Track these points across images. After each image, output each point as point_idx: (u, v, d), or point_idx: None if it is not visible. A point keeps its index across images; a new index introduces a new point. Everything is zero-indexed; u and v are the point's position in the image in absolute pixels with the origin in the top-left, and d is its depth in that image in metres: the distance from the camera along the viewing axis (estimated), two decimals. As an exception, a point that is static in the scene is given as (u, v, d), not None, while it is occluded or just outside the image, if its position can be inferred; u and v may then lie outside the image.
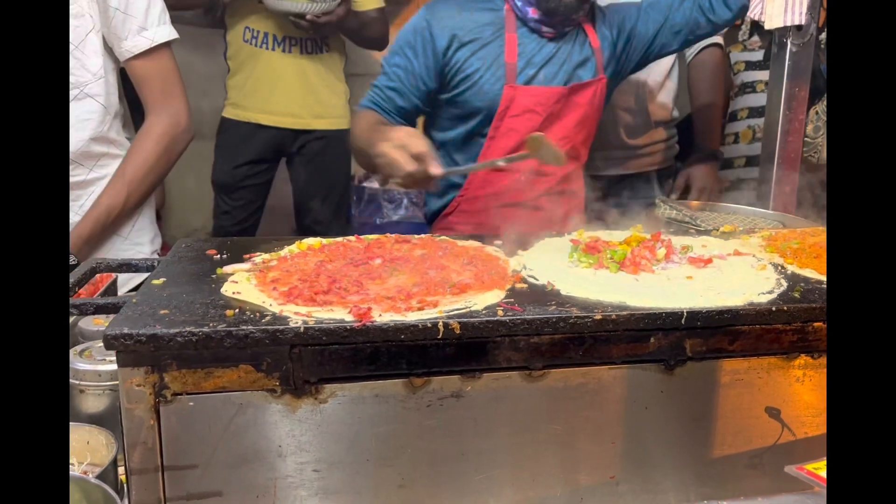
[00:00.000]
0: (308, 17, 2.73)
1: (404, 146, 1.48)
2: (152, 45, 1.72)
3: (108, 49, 1.71)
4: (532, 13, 1.81)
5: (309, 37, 2.91)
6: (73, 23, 1.59)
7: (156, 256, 1.50)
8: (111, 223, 1.74)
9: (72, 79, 1.62)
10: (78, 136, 1.69)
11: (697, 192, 2.64)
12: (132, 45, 1.70)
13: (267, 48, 2.93)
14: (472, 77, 1.81)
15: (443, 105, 1.88)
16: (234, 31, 2.98)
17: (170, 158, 1.83)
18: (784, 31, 1.92)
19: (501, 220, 1.74)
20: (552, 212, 1.82)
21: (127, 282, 1.76)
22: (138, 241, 1.86)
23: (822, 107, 3.03)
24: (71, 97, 1.62)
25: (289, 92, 2.95)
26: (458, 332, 0.99)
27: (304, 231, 3.19)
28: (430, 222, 2.01)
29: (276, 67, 2.94)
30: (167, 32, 1.75)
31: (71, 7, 1.58)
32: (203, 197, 3.55)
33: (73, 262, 1.57)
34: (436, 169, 1.47)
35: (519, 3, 1.82)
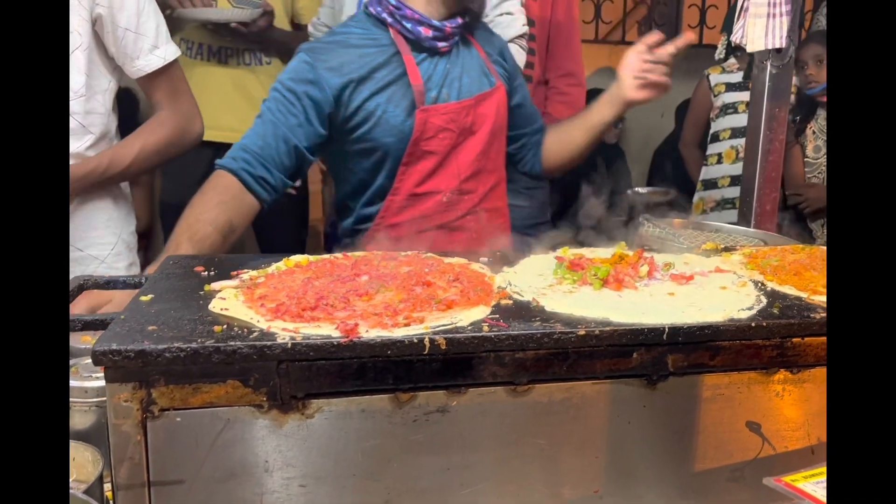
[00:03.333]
0: (232, 25, 2.69)
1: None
2: (165, 63, 1.74)
3: (107, 69, 1.72)
4: (425, 32, 1.76)
5: (246, 47, 2.85)
6: None
7: (104, 268, 1.51)
8: (106, 176, 1.70)
9: None
10: None
11: None
12: (145, 63, 1.73)
13: (202, 59, 2.86)
14: (375, 113, 1.73)
15: (343, 145, 1.79)
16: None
17: (177, 151, 1.84)
18: (764, 53, 1.97)
19: (427, 244, 1.66)
20: (477, 231, 1.82)
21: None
22: (115, 265, 1.85)
23: (818, 125, 3.10)
24: None
25: (226, 104, 2.87)
26: (443, 347, 1.01)
27: (266, 248, 3.14)
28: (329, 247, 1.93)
29: (211, 79, 2.86)
30: (175, 49, 1.79)
31: None
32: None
33: None
34: None
35: (409, 26, 1.75)
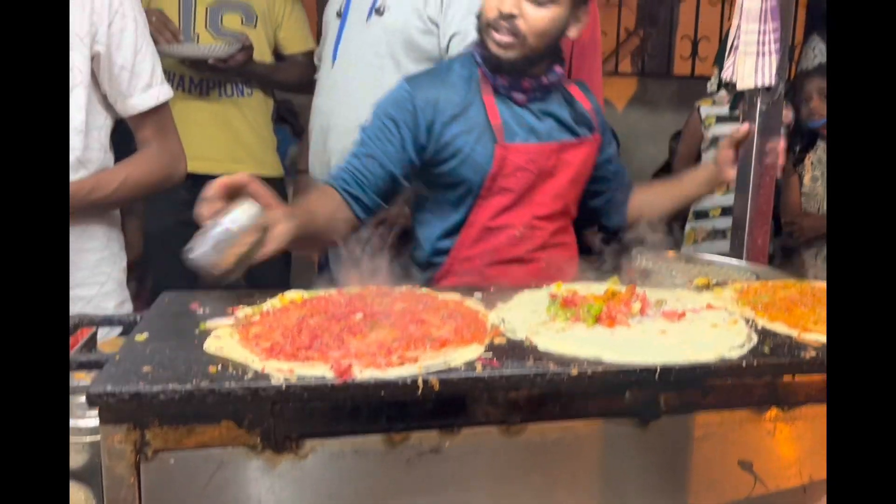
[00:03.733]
0: (210, 61, 2.70)
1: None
2: (157, 103, 1.77)
3: (102, 105, 1.74)
4: (502, 80, 1.81)
5: (227, 80, 2.85)
6: None
7: (91, 308, 1.49)
8: (88, 201, 1.70)
9: None
10: None
11: None
12: (138, 102, 1.74)
13: (183, 91, 2.85)
14: (462, 150, 1.78)
15: (426, 177, 1.85)
16: None
17: (160, 188, 1.85)
18: (754, 91, 2.00)
19: (498, 277, 1.77)
20: (548, 264, 1.83)
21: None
22: (103, 304, 1.83)
23: (816, 156, 3.14)
24: None
25: (207, 136, 2.85)
26: (437, 388, 1.01)
27: (248, 281, 3.12)
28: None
29: (192, 111, 2.84)
30: (168, 90, 1.81)
31: None
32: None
33: None
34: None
35: (489, 71, 1.81)
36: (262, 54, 2.90)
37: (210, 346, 1.12)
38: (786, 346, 1.20)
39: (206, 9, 2.82)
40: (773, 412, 1.16)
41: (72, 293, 1.74)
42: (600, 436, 1.11)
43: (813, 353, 1.17)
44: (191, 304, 1.35)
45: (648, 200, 2.03)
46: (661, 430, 1.12)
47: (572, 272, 1.82)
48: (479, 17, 1.77)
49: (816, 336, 1.24)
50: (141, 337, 1.15)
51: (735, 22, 2.02)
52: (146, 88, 1.74)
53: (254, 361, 1.05)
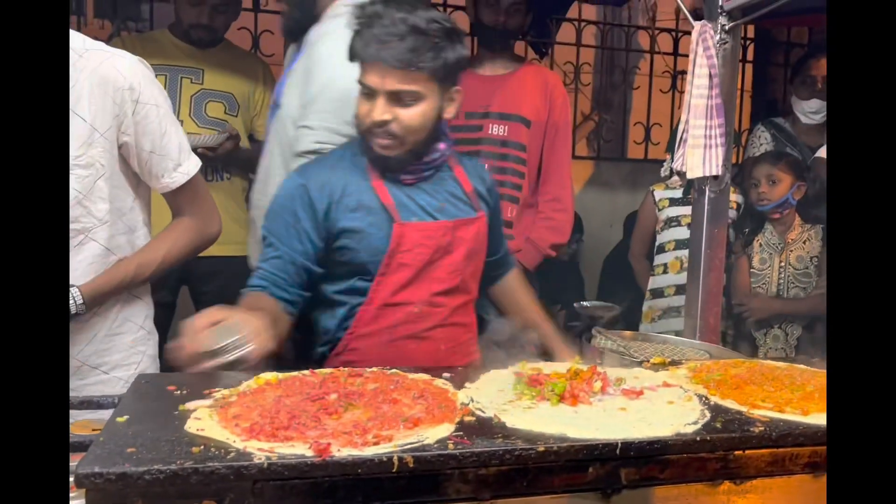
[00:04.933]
0: (199, 151, 2.74)
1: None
2: (188, 179, 1.81)
3: (131, 186, 1.77)
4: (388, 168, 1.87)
5: (210, 165, 2.92)
6: (83, 173, 1.64)
7: (117, 393, 1.50)
8: (132, 285, 1.73)
9: (77, 226, 1.65)
10: (78, 279, 1.70)
11: None
12: (170, 181, 1.78)
13: None
14: (359, 232, 1.83)
15: (325, 261, 1.88)
16: None
17: (197, 250, 1.89)
18: (703, 179, 2.14)
19: (396, 355, 1.81)
20: (446, 343, 1.89)
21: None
22: (118, 374, 1.83)
23: (765, 239, 3.30)
24: (75, 243, 1.66)
25: None
26: (411, 465, 1.07)
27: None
28: (319, 362, 1.92)
29: None
30: (197, 162, 1.84)
31: (81, 159, 1.63)
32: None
33: (80, 303, 1.57)
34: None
35: (378, 167, 1.87)
36: (242, 141, 3.00)
37: (191, 426, 1.16)
38: (736, 422, 1.28)
39: (191, 97, 2.94)
40: (727, 485, 1.23)
41: (109, 374, 1.76)
42: (566, 510, 1.16)
43: (761, 428, 1.25)
44: (167, 385, 1.38)
45: (506, 302, 2.16)
46: (622, 503, 1.18)
47: (470, 352, 1.89)
48: (356, 120, 1.83)
49: (765, 412, 1.33)
50: (122, 419, 1.19)
51: (684, 117, 2.17)
52: (176, 168, 1.79)
53: (235, 441, 1.10)
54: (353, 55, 1.78)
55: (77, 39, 1.65)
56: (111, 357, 1.77)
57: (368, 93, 1.76)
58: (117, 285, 1.71)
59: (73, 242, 1.65)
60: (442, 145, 1.89)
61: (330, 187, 1.83)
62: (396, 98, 1.74)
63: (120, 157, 1.73)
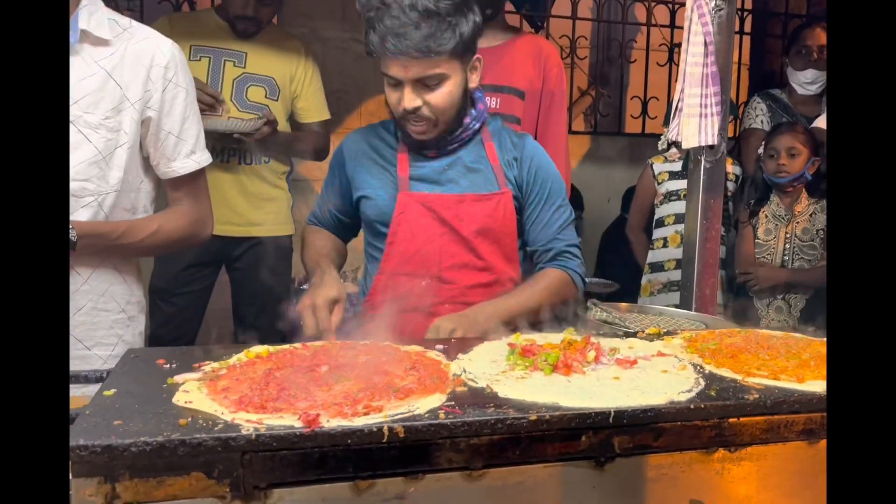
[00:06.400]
0: (235, 135, 2.83)
1: (315, 306, 1.70)
2: (199, 168, 1.84)
3: (142, 169, 1.79)
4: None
5: (248, 149, 2.99)
6: (107, 135, 1.68)
7: (106, 367, 1.50)
8: (117, 244, 1.73)
9: (91, 187, 1.68)
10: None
11: None
12: (181, 166, 1.81)
13: None
14: (372, 199, 1.94)
15: (356, 223, 2.09)
16: None
17: (184, 246, 1.93)
18: (699, 149, 2.12)
19: (403, 327, 1.78)
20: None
21: None
22: (98, 353, 1.83)
23: (770, 210, 3.27)
24: (82, 204, 1.68)
25: (225, 201, 3.00)
26: (402, 435, 1.06)
27: (244, 335, 3.19)
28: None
29: (213, 177, 2.91)
30: (208, 156, 1.89)
31: (109, 121, 1.68)
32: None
33: (73, 238, 1.59)
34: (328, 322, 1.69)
35: (414, 146, 1.93)
36: (280, 125, 3.02)
37: (179, 399, 1.15)
38: (731, 390, 1.27)
39: (233, 81, 2.95)
40: (721, 453, 1.22)
41: (91, 351, 1.77)
42: (558, 479, 1.15)
43: (756, 396, 1.24)
44: (157, 359, 1.37)
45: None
46: (615, 471, 1.17)
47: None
48: (389, 108, 1.89)
49: (760, 380, 1.32)
50: (109, 392, 1.17)
51: (679, 86, 2.14)
52: (189, 154, 1.81)
53: (223, 413, 1.09)
54: (370, 50, 1.80)
55: (125, 19, 1.77)
56: (95, 333, 1.78)
57: (394, 83, 1.80)
58: (109, 232, 1.71)
59: (80, 203, 1.68)
60: (467, 119, 1.91)
61: (360, 154, 1.98)
62: (422, 84, 1.78)
63: (140, 134, 1.75)
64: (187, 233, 1.86)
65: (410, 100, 1.78)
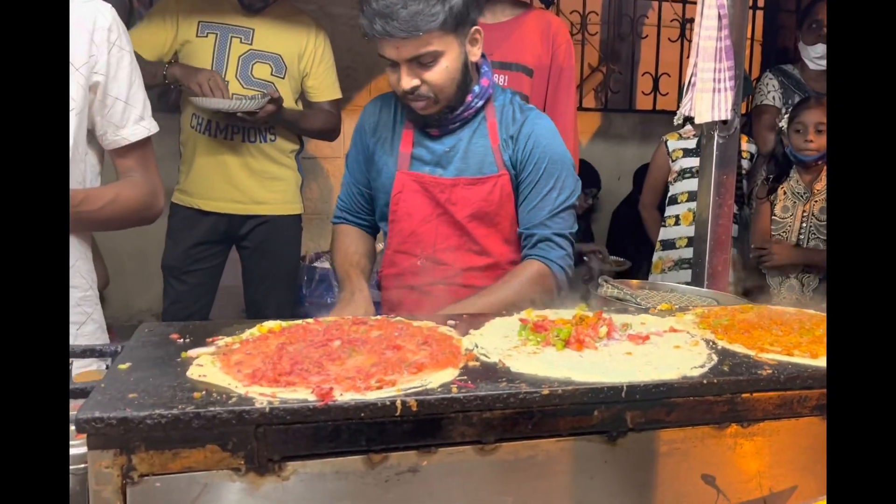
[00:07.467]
0: (238, 114, 2.81)
1: None
2: (148, 135, 1.80)
3: (86, 140, 1.75)
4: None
5: (253, 126, 2.97)
6: None
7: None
8: (75, 212, 1.66)
9: None
10: None
11: None
12: (130, 133, 1.76)
13: (210, 135, 2.98)
14: (378, 165, 1.96)
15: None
16: (184, 115, 3.04)
17: (137, 220, 1.85)
18: (712, 124, 2.10)
19: (402, 302, 1.92)
20: (446, 302, 1.85)
21: None
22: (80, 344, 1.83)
23: (789, 186, 3.24)
24: None
25: (230, 178, 3.00)
26: (415, 409, 1.06)
27: (253, 313, 3.23)
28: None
29: (218, 154, 2.99)
30: (156, 125, 1.84)
31: None
32: (149, 279, 3.53)
33: None
34: None
35: (420, 123, 1.92)
36: (288, 103, 3.00)
37: (193, 373, 1.15)
38: (744, 366, 1.26)
39: (239, 58, 2.93)
40: (733, 428, 1.22)
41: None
42: (570, 454, 1.16)
43: (769, 372, 1.24)
44: (170, 334, 1.38)
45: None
46: (627, 446, 1.17)
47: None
48: (392, 88, 1.87)
49: (773, 356, 1.32)
50: (124, 366, 1.18)
51: (692, 60, 2.12)
52: (139, 120, 1.77)
53: (237, 387, 1.09)
54: (364, 33, 1.78)
55: None
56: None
57: (391, 64, 1.79)
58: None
59: None
60: (469, 97, 1.88)
61: (376, 128, 1.99)
62: (417, 63, 1.77)
63: (87, 100, 1.71)
64: (143, 204, 1.81)
65: (408, 80, 1.77)
